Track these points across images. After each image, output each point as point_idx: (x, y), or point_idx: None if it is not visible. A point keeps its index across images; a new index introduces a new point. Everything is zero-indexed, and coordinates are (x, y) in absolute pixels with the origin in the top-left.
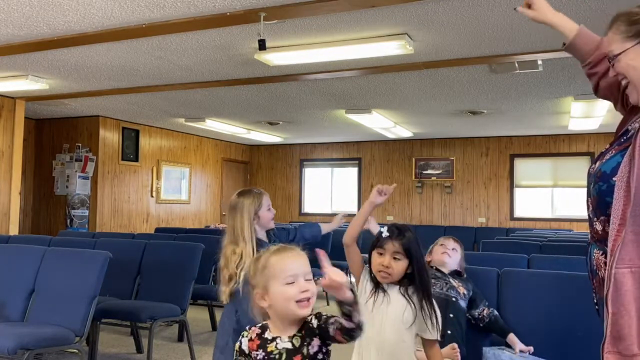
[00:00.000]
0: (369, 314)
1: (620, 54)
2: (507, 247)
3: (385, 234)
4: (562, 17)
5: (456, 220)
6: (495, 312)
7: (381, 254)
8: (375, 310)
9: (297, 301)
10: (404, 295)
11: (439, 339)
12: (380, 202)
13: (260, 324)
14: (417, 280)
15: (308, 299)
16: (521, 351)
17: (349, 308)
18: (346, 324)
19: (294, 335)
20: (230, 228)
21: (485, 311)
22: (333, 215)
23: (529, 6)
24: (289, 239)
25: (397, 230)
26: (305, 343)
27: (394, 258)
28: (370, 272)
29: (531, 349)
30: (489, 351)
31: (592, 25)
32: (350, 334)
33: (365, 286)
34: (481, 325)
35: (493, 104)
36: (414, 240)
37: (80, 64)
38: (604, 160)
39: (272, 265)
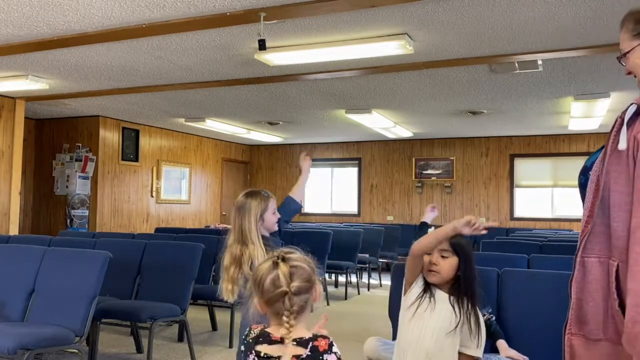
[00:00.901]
0: (410, 318)
1: (628, 52)
2: (507, 247)
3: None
4: None
5: None
6: (493, 319)
7: (429, 253)
8: (417, 316)
9: None
10: (451, 304)
11: (479, 355)
12: (464, 233)
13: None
14: (463, 281)
15: None
16: (508, 357)
17: None
18: None
19: None
20: (237, 227)
21: (485, 316)
22: (333, 215)
23: None
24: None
25: None
26: None
27: (442, 256)
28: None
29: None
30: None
31: (592, 25)
32: None
33: (412, 291)
34: None
35: (493, 104)
36: (463, 241)
37: (80, 64)
38: (592, 153)
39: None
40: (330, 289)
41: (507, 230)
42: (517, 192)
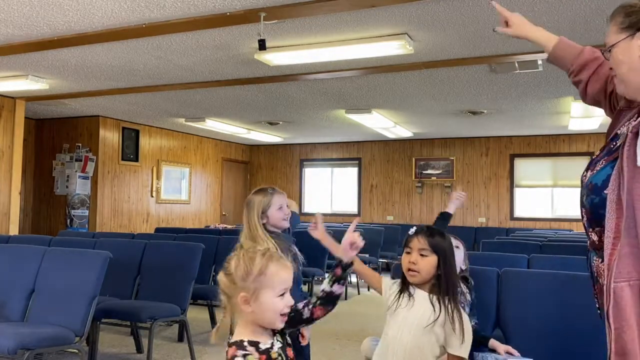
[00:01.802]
0: (391, 316)
1: (613, 45)
2: (507, 247)
3: (411, 231)
4: (542, 30)
5: (456, 220)
6: (476, 326)
7: (409, 252)
8: (397, 314)
9: (281, 314)
10: (430, 302)
11: (463, 356)
12: (350, 256)
13: (245, 341)
14: (444, 279)
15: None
16: (506, 352)
17: (349, 271)
18: (338, 289)
19: (275, 334)
20: (246, 224)
21: (472, 324)
22: (333, 215)
23: (507, 24)
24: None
25: (425, 228)
26: (285, 333)
27: (421, 255)
28: (402, 274)
29: (510, 348)
30: (477, 355)
31: (592, 25)
32: (336, 301)
33: (390, 291)
34: None
35: (493, 104)
36: (442, 240)
37: (80, 64)
38: (594, 172)
39: (270, 273)
40: None
41: (507, 230)
42: (517, 192)
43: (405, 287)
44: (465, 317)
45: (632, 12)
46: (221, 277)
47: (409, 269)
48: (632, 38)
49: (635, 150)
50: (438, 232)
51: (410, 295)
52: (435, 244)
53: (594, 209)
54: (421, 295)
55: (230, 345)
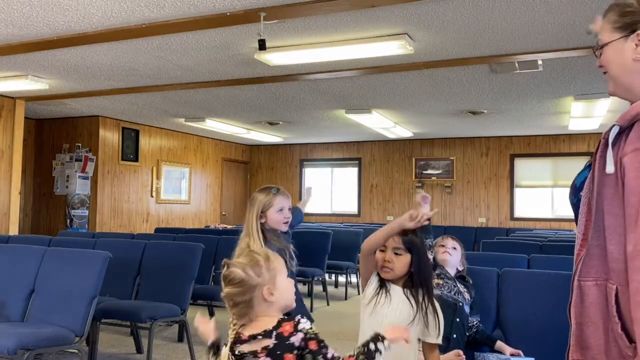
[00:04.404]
0: (370, 314)
1: (605, 45)
2: (507, 247)
3: None
4: None
5: (456, 220)
6: (481, 326)
7: (383, 250)
8: (376, 310)
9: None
10: (406, 296)
11: (440, 342)
12: (408, 227)
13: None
14: (417, 276)
15: None
16: (512, 355)
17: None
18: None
19: None
20: (245, 221)
21: (475, 322)
22: (333, 215)
23: None
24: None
25: None
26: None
27: (395, 253)
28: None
29: (520, 352)
30: (479, 356)
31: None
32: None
33: (371, 286)
34: (467, 334)
35: (493, 104)
36: (416, 239)
37: (80, 64)
38: (579, 172)
39: (273, 260)
40: (330, 289)
41: (507, 230)
42: (517, 192)
43: (382, 284)
44: (438, 307)
45: (627, 12)
46: (230, 290)
47: (383, 266)
48: (625, 40)
49: (605, 158)
50: (410, 230)
51: (387, 291)
52: (409, 242)
53: (574, 207)
54: (397, 291)
55: (281, 323)
